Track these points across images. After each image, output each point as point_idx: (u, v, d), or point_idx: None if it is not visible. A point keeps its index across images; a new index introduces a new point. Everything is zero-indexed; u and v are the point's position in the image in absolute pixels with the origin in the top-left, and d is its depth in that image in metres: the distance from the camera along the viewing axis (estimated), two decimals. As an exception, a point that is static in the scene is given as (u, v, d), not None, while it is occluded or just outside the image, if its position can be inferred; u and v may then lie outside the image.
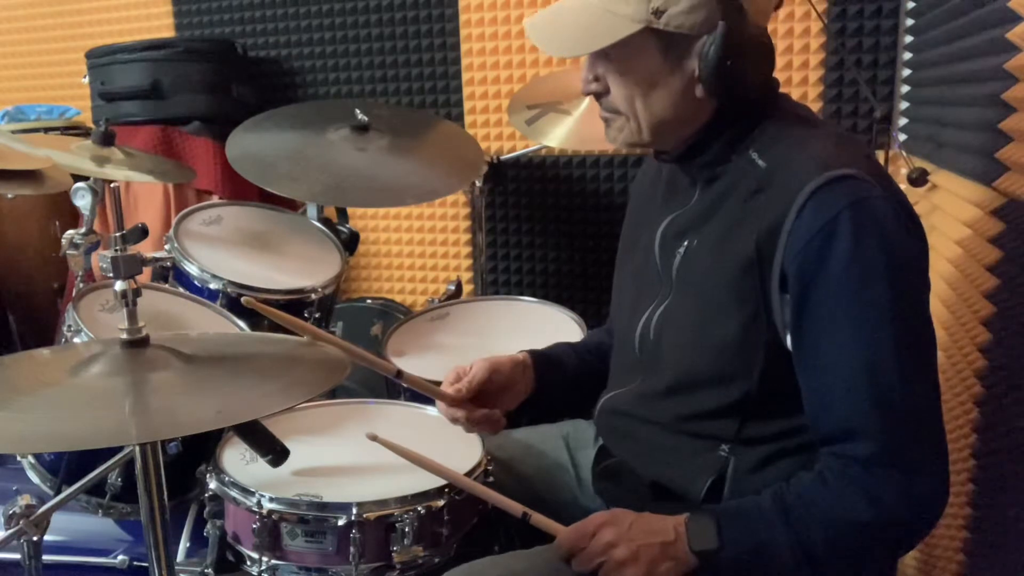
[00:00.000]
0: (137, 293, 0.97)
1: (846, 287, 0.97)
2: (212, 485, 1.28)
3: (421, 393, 1.30)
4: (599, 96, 1.14)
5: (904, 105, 2.08)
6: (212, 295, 1.69)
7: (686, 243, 1.13)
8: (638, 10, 1.03)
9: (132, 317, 0.97)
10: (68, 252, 1.81)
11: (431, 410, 1.48)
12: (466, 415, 1.25)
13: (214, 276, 1.69)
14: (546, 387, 1.33)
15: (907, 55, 2.06)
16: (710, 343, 1.07)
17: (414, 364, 1.69)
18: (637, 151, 2.33)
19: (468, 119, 2.58)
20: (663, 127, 1.11)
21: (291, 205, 2.21)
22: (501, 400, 1.28)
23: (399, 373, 1.24)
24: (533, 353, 1.35)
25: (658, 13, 1.02)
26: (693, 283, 1.12)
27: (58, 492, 1.37)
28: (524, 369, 1.32)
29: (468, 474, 1.23)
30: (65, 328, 1.46)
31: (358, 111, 1.97)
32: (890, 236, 0.97)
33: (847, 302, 0.97)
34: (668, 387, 1.14)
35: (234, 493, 1.24)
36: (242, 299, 1.18)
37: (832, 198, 0.97)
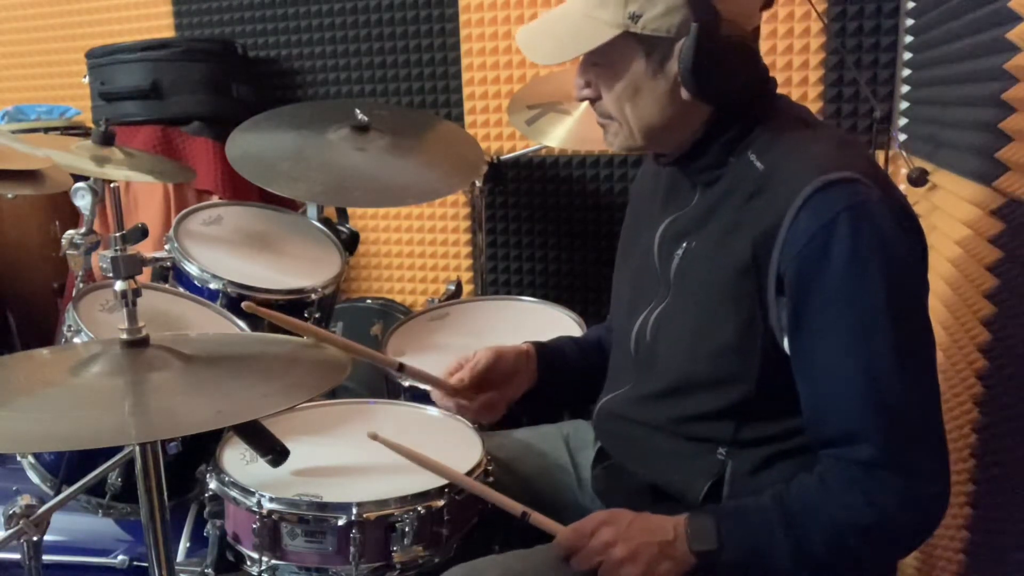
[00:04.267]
0: (137, 293, 0.97)
1: (843, 290, 0.97)
2: (212, 485, 1.28)
3: (423, 386, 1.30)
4: (592, 102, 1.15)
5: (904, 105, 2.08)
6: (212, 295, 1.69)
7: (684, 245, 1.13)
8: (616, 15, 1.04)
9: (132, 317, 0.97)
10: (68, 252, 1.81)
11: (431, 410, 1.48)
12: (467, 404, 1.27)
13: (214, 276, 1.69)
14: (548, 379, 1.34)
15: (907, 55, 2.06)
16: (707, 346, 1.07)
17: (414, 364, 1.68)
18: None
19: (468, 119, 2.58)
20: (654, 131, 1.11)
21: (291, 205, 2.21)
22: (503, 389, 1.30)
23: (401, 367, 1.25)
24: (537, 344, 1.36)
25: (635, 17, 1.03)
26: (691, 285, 1.12)
27: (58, 492, 1.37)
28: (527, 359, 1.33)
29: (468, 474, 1.23)
30: (65, 328, 1.46)
31: (358, 111, 1.97)
32: (887, 239, 0.97)
33: (844, 305, 0.97)
34: (664, 389, 1.14)
35: (234, 493, 1.24)
36: (242, 304, 1.18)
37: (829, 201, 0.97)
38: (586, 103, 1.16)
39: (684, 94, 1.06)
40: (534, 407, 1.41)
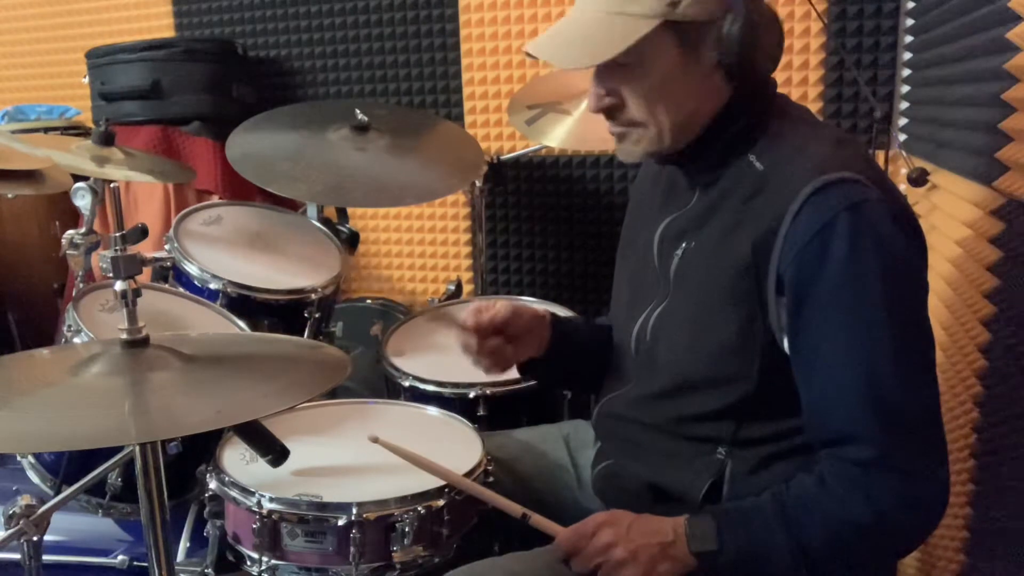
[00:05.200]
0: (137, 293, 0.97)
1: (842, 291, 0.97)
2: (212, 485, 1.28)
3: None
4: (612, 111, 1.10)
5: (904, 105, 2.08)
6: (212, 295, 1.69)
7: (684, 245, 1.13)
8: (652, 5, 1.01)
9: (132, 317, 0.97)
10: (68, 252, 1.81)
11: (431, 410, 1.48)
12: (479, 344, 1.23)
13: (214, 276, 1.69)
14: (558, 348, 1.31)
15: (907, 55, 2.06)
16: (707, 346, 1.07)
17: (414, 364, 1.69)
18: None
19: (468, 119, 2.58)
20: (683, 126, 1.08)
21: (291, 205, 2.21)
22: (516, 347, 1.27)
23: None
24: (553, 314, 1.34)
25: (674, 3, 1.00)
26: (690, 285, 1.12)
27: (58, 492, 1.37)
28: (542, 323, 1.30)
29: (468, 474, 1.23)
30: (65, 328, 1.46)
31: (358, 111, 1.97)
32: (887, 239, 0.97)
33: (844, 306, 0.97)
34: (664, 389, 1.14)
35: (234, 493, 1.24)
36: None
37: (828, 201, 0.97)
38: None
39: (718, 79, 1.05)
40: (539, 375, 1.39)
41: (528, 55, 1.10)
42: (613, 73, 1.07)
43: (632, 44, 1.01)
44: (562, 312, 1.85)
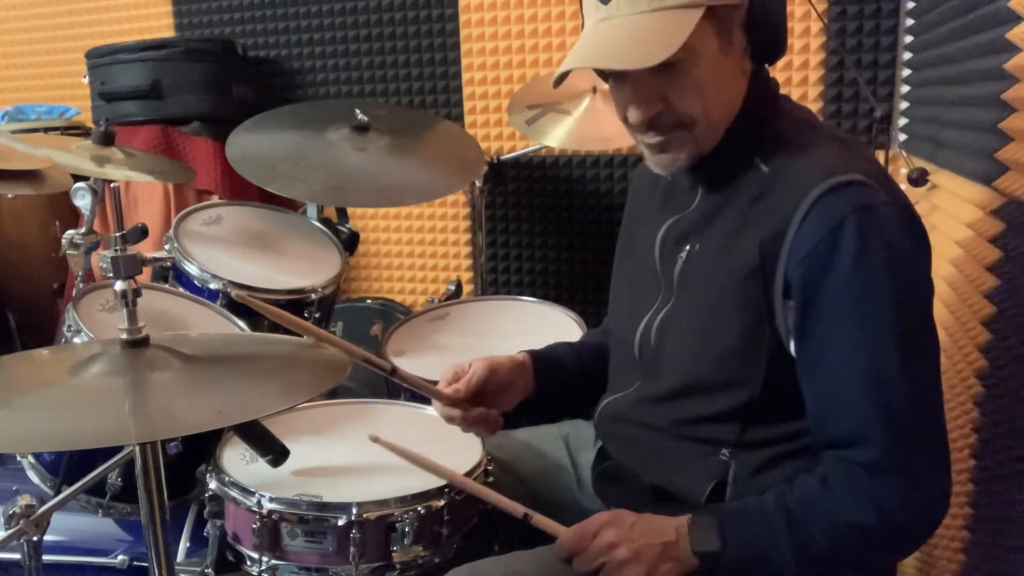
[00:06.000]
0: (137, 293, 0.97)
1: (850, 294, 0.97)
2: (212, 485, 1.28)
3: (418, 392, 1.29)
4: (656, 119, 1.05)
5: (904, 105, 2.08)
6: (212, 295, 1.69)
7: (688, 248, 1.13)
8: None
9: (132, 317, 0.97)
10: (68, 252, 1.81)
11: (431, 410, 1.48)
12: (463, 415, 1.24)
13: (214, 276, 1.69)
14: (546, 387, 1.32)
15: (907, 55, 2.06)
16: (713, 349, 1.07)
17: (414, 364, 1.69)
18: (638, 149, 2.32)
19: (468, 119, 2.58)
20: (724, 120, 1.06)
21: (291, 205, 2.20)
22: (499, 400, 1.27)
23: (393, 370, 1.23)
24: (532, 353, 1.34)
25: None
26: (695, 289, 1.11)
27: (58, 492, 1.37)
28: (523, 370, 1.31)
29: (468, 474, 1.23)
30: (65, 328, 1.46)
31: (358, 111, 1.97)
32: (894, 242, 0.97)
33: (851, 309, 0.97)
34: (669, 392, 1.13)
35: (234, 493, 1.24)
36: (233, 294, 1.17)
37: (837, 204, 0.97)
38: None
39: (746, 66, 1.04)
40: (532, 415, 1.40)
41: (561, 77, 1.05)
42: (660, 74, 1.01)
43: (689, 34, 0.97)
44: (562, 312, 1.87)
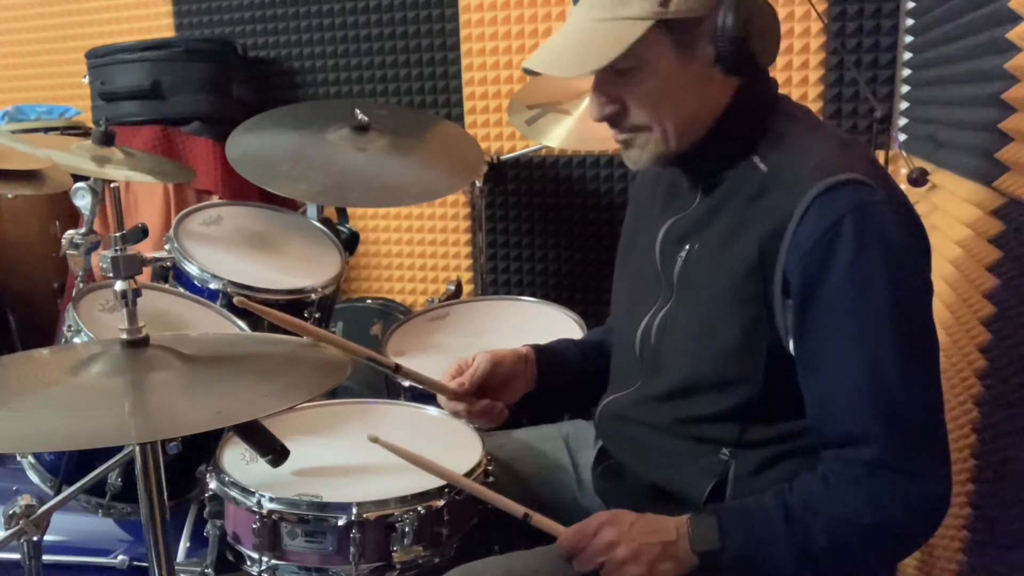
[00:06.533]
0: (137, 293, 0.97)
1: (849, 292, 0.97)
2: (212, 485, 1.28)
3: (422, 388, 1.30)
4: (615, 119, 1.10)
5: (904, 105, 2.08)
6: (212, 295, 1.69)
7: (688, 247, 1.13)
8: (643, 7, 1.00)
9: (132, 317, 0.97)
10: (68, 252, 1.81)
11: (431, 410, 1.48)
12: (468, 408, 1.26)
13: (214, 276, 1.69)
14: (548, 382, 1.33)
15: (907, 55, 2.06)
16: (712, 348, 1.07)
17: (414, 364, 1.66)
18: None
19: (468, 119, 2.58)
20: (688, 127, 1.08)
21: (291, 205, 2.21)
22: (503, 393, 1.29)
23: (397, 367, 1.24)
24: (536, 347, 1.35)
25: (665, 2, 1.00)
26: (695, 288, 1.11)
27: (58, 492, 1.37)
28: (526, 363, 1.32)
29: (468, 475, 1.23)
30: (65, 328, 1.46)
31: (358, 111, 1.97)
32: (893, 241, 0.97)
33: (850, 307, 0.97)
34: (669, 391, 1.13)
35: (234, 493, 1.24)
36: (235, 299, 1.18)
37: (835, 203, 0.97)
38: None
39: (717, 74, 1.04)
40: (534, 410, 1.41)
41: (527, 72, 1.10)
42: (613, 80, 1.07)
43: (627, 48, 1.01)
44: (562, 312, 1.87)
